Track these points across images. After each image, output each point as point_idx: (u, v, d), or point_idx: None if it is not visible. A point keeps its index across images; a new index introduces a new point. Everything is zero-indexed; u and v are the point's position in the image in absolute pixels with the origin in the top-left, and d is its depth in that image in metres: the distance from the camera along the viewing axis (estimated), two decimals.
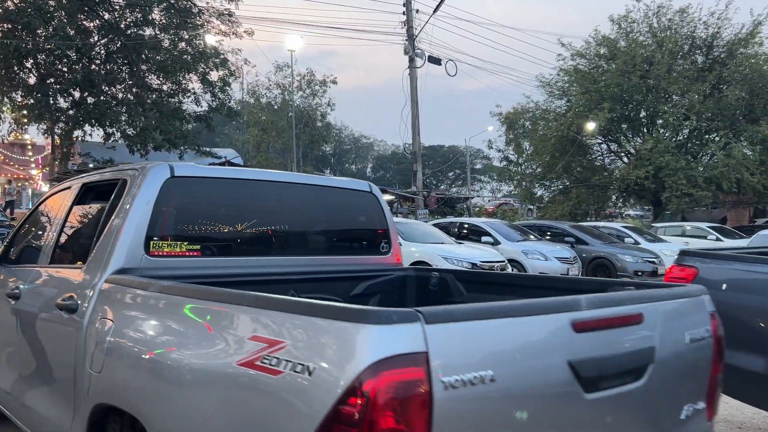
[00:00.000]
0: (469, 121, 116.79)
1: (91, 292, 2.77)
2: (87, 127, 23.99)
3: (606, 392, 1.99)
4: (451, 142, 72.96)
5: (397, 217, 22.89)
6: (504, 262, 12.23)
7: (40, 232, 3.85)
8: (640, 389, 2.10)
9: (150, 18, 22.41)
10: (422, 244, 12.38)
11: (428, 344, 1.59)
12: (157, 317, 2.42)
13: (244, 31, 24.04)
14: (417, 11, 21.20)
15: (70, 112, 23.39)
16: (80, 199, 3.54)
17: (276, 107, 42.96)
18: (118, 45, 22.59)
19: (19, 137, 48.49)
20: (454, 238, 13.88)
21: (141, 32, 22.66)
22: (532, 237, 15.24)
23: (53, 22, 20.78)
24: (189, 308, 2.27)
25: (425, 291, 3.81)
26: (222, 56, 24.14)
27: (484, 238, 14.07)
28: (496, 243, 13.85)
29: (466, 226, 15.73)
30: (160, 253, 2.93)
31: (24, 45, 20.13)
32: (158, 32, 23.02)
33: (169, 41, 23.31)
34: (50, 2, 20.45)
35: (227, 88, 25.17)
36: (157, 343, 2.31)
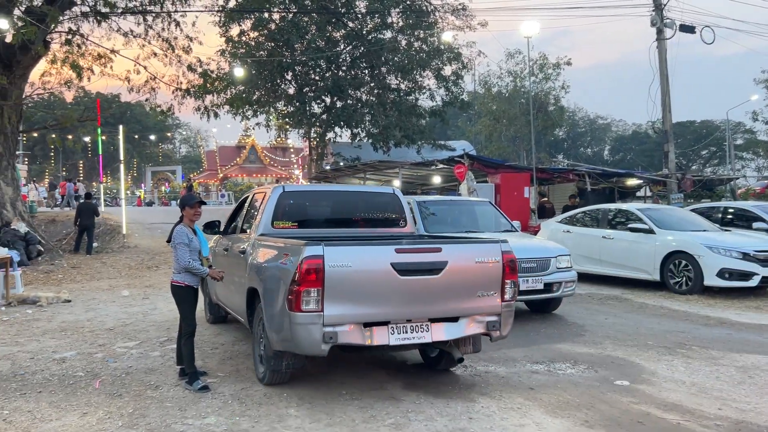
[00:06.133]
0: (724, 91, 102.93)
1: (250, 244, 6.00)
2: (337, 129, 26.37)
3: (413, 277, 4.74)
4: (703, 116, 65.44)
5: (645, 202, 21.16)
6: None
7: (236, 216, 7.39)
8: (438, 278, 4.80)
9: (388, 21, 23.75)
10: (680, 232, 11.25)
11: (324, 253, 4.52)
12: (262, 251, 5.57)
13: (478, 23, 24.23)
14: None
15: (323, 116, 25.91)
16: (252, 200, 6.91)
17: (507, 95, 42.65)
18: (361, 51, 24.38)
19: (282, 142, 55.19)
20: (717, 225, 12.38)
21: (381, 36, 24.12)
22: None
23: (307, 36, 23.15)
24: (270, 245, 5.49)
25: None
26: (456, 50, 24.62)
27: (755, 224, 12.31)
28: None
29: (731, 210, 13.89)
30: (278, 227, 6.13)
31: (285, 60, 22.76)
32: (396, 34, 24.30)
33: (405, 42, 24.47)
34: (304, 18, 22.81)
35: (460, 81, 25.65)
36: (261, 260, 5.47)
